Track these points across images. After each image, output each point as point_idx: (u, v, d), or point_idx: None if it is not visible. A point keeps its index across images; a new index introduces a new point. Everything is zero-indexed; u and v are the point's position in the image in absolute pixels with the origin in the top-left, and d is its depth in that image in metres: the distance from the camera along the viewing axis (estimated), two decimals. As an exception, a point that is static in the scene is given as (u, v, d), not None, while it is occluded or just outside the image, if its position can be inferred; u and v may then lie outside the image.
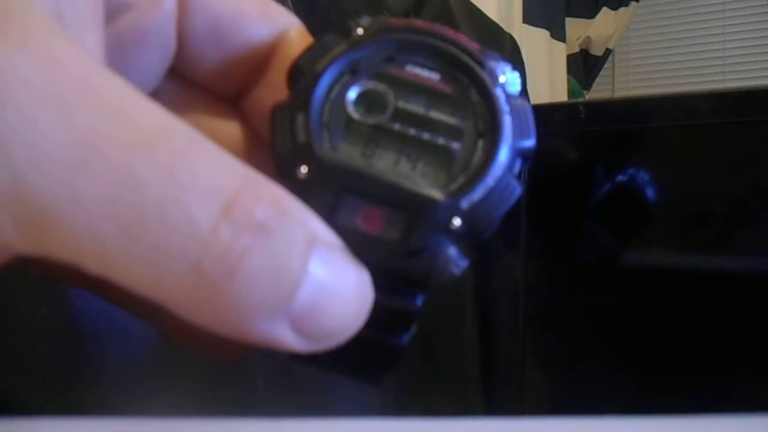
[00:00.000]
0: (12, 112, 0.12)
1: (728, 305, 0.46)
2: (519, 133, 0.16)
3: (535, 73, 1.76)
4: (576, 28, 2.35)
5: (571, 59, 2.22)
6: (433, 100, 0.16)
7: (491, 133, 0.16)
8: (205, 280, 0.12)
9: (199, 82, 0.19)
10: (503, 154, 0.16)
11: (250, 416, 0.17)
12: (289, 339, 0.13)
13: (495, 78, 0.16)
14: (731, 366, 0.45)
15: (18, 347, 0.27)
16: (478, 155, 0.16)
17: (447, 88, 0.16)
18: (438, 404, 0.49)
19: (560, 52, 2.07)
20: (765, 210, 0.46)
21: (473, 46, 0.17)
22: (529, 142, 0.16)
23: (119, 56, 0.17)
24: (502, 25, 0.99)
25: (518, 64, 0.84)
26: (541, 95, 1.82)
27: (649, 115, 0.50)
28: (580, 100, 2.14)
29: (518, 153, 0.16)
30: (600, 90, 2.48)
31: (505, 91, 0.16)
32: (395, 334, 0.16)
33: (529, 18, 1.91)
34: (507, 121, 0.16)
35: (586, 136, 0.51)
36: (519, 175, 0.16)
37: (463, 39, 0.17)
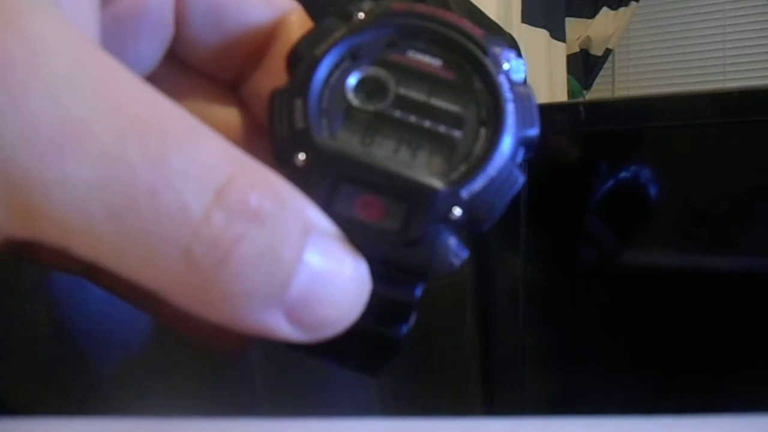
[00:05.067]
0: (0, 92, 0.12)
1: (728, 305, 0.46)
2: (522, 121, 0.16)
3: (535, 73, 1.76)
4: (576, 28, 2.35)
5: (571, 59, 2.22)
6: (434, 87, 0.16)
7: (494, 122, 0.16)
8: (195, 266, 0.12)
9: (198, 67, 0.18)
10: (506, 143, 0.15)
11: (250, 416, 0.17)
12: (283, 328, 0.13)
13: (498, 65, 0.16)
14: (731, 366, 0.45)
15: (17, 347, 0.27)
16: (480, 144, 0.15)
17: (449, 75, 0.16)
18: (438, 404, 0.49)
19: (560, 52, 2.07)
20: (765, 210, 0.46)
21: (477, 32, 0.16)
22: (533, 131, 0.16)
23: (116, 39, 0.16)
24: (501, 24, 0.99)
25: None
26: (541, 95, 1.82)
27: (649, 115, 0.50)
28: (580, 100, 2.14)
29: (521, 142, 0.16)
30: (600, 90, 2.48)
31: (508, 79, 0.16)
32: (393, 325, 0.16)
33: (529, 18, 1.91)
34: (510, 110, 0.16)
35: (586, 136, 0.51)
36: (522, 165, 0.16)
37: (467, 24, 0.16)
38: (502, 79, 0.16)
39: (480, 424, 0.18)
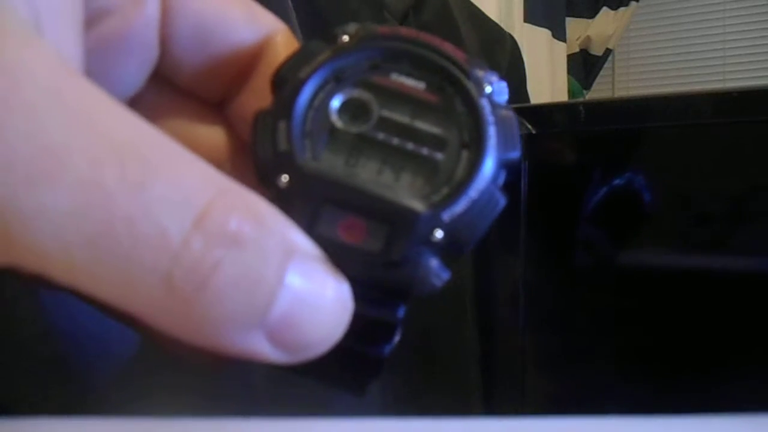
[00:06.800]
0: None
1: (728, 305, 0.46)
2: (504, 144, 0.16)
3: (536, 72, 1.76)
4: (576, 27, 2.35)
5: (571, 59, 2.22)
6: (417, 109, 0.16)
7: (476, 144, 0.16)
8: (175, 292, 0.12)
9: (184, 87, 0.19)
10: (487, 166, 0.16)
11: (250, 416, 0.17)
12: (265, 350, 0.13)
13: (481, 88, 0.16)
14: (731, 366, 0.45)
15: (17, 348, 0.27)
16: (462, 166, 0.16)
17: (432, 98, 0.16)
18: (438, 404, 0.49)
19: (561, 51, 2.08)
20: (765, 210, 0.46)
21: (459, 55, 0.16)
22: (514, 154, 0.16)
23: (101, 61, 0.16)
24: (502, 24, 0.99)
25: (519, 64, 0.84)
26: (541, 95, 1.82)
27: (649, 115, 0.50)
28: (580, 100, 2.14)
29: (503, 165, 0.16)
30: (600, 90, 2.48)
31: (491, 102, 0.16)
32: (376, 345, 0.16)
33: (530, 17, 1.91)
34: (492, 132, 0.16)
35: (586, 136, 0.51)
36: (504, 187, 0.16)
37: (450, 48, 0.17)
38: (483, 102, 0.16)
39: (480, 424, 0.18)
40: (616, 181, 0.51)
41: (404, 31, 0.17)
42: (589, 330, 0.51)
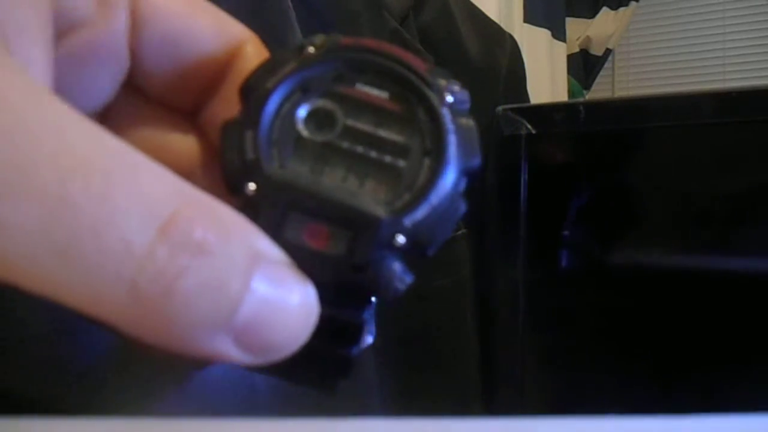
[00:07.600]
0: None
1: (728, 305, 0.46)
2: (464, 152, 0.16)
3: (536, 72, 1.76)
4: (576, 28, 2.35)
5: (571, 59, 2.22)
6: (381, 118, 0.17)
7: (437, 152, 0.16)
8: (141, 299, 0.13)
9: (155, 97, 0.19)
10: (449, 174, 0.16)
11: (250, 416, 0.17)
12: (232, 353, 0.14)
13: (442, 97, 0.17)
14: (731, 366, 0.45)
15: (17, 348, 0.27)
16: (423, 174, 0.16)
17: (395, 107, 0.17)
18: (438, 404, 0.49)
19: (561, 51, 2.08)
20: (765, 210, 0.46)
21: (420, 65, 0.17)
22: (475, 161, 0.16)
23: (71, 73, 0.17)
24: (502, 25, 0.99)
25: (519, 64, 0.84)
26: (541, 95, 1.82)
27: (649, 115, 0.50)
28: (580, 100, 2.14)
29: (464, 172, 0.16)
30: (600, 90, 2.48)
31: (452, 110, 0.17)
32: (343, 346, 0.17)
33: (530, 17, 1.91)
34: (452, 141, 0.16)
35: (586, 136, 0.51)
36: (464, 194, 0.16)
37: (411, 58, 0.17)
38: (444, 111, 0.17)
39: (480, 424, 0.18)
40: (616, 181, 0.51)
41: (368, 41, 0.17)
42: (589, 330, 0.51)
